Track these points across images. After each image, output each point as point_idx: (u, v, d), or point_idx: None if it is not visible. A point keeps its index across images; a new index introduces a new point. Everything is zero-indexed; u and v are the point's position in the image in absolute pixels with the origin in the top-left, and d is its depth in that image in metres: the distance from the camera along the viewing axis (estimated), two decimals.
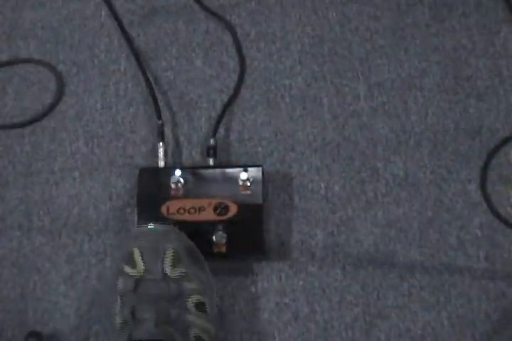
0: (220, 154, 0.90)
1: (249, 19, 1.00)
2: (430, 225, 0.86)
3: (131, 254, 0.76)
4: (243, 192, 0.85)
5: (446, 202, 0.87)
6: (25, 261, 0.88)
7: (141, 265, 0.75)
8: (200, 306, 0.75)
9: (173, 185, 0.86)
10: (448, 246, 0.85)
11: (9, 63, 1.00)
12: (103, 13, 1.03)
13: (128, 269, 0.76)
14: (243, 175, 0.85)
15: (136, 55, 0.97)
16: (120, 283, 0.76)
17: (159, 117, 0.93)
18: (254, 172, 0.86)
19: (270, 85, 0.96)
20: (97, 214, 0.90)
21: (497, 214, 0.86)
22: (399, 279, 0.84)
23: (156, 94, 0.95)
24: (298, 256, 0.86)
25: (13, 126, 0.96)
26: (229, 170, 0.87)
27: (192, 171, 0.87)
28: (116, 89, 0.97)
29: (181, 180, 0.86)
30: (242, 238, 0.84)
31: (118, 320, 0.75)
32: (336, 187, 0.89)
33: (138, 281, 0.75)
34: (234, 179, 0.86)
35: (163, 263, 0.75)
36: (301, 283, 0.84)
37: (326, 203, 0.88)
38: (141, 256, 0.75)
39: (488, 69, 0.94)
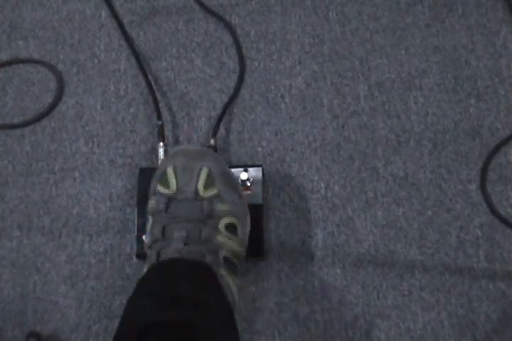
0: (220, 154, 0.90)
1: (249, 19, 1.00)
2: (430, 225, 0.86)
3: (164, 173, 0.75)
4: (243, 192, 0.85)
5: (446, 202, 0.87)
6: (25, 261, 0.88)
7: (174, 184, 0.74)
8: (231, 228, 0.74)
9: None
10: (448, 246, 0.85)
11: (9, 63, 1.00)
12: (103, 13, 1.03)
13: (161, 188, 0.75)
14: (243, 175, 0.84)
15: (136, 55, 0.97)
16: (152, 203, 0.75)
17: (159, 117, 0.93)
18: (254, 172, 0.86)
19: (270, 85, 0.96)
20: (97, 214, 0.90)
21: (497, 214, 0.86)
22: (399, 279, 0.84)
23: (156, 94, 0.95)
24: (298, 256, 0.86)
25: (13, 126, 0.96)
26: None
27: None
28: (116, 89, 0.97)
29: None
30: None
31: (148, 239, 0.74)
32: (336, 187, 0.89)
33: (170, 201, 0.73)
34: None
35: (196, 182, 0.73)
36: (301, 283, 0.84)
37: (326, 203, 0.88)
38: (175, 174, 0.74)
39: (488, 69, 0.94)
